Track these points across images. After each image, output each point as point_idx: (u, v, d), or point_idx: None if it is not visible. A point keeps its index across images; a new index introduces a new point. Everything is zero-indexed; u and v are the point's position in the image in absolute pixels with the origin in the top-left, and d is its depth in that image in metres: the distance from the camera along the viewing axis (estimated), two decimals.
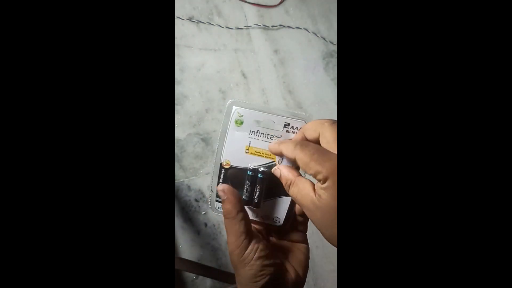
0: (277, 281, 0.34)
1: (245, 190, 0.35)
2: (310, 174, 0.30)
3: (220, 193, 0.34)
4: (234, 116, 0.34)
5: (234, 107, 0.34)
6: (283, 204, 0.37)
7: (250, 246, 0.34)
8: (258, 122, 0.35)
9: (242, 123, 0.35)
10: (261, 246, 0.34)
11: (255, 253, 0.34)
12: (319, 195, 0.29)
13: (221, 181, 0.36)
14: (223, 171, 0.35)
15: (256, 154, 0.35)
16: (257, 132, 0.35)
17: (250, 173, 0.35)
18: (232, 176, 0.36)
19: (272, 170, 0.35)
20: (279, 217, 0.37)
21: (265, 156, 0.35)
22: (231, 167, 0.36)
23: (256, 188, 0.36)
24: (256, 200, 0.36)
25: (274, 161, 0.35)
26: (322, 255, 0.92)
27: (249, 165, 0.36)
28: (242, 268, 0.34)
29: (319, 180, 0.29)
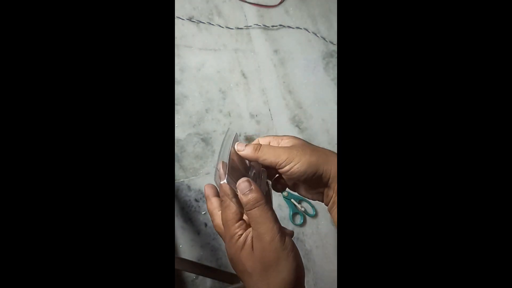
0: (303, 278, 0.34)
1: None
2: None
3: (246, 184, 0.33)
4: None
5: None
6: None
7: (285, 234, 0.33)
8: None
9: None
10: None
11: (291, 241, 0.33)
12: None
13: (230, 162, 0.36)
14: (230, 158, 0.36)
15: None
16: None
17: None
18: (234, 168, 0.37)
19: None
20: None
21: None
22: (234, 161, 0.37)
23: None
24: None
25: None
26: (322, 255, 0.92)
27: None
28: (287, 258, 0.31)
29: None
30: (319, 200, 0.39)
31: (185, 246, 0.84)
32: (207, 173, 0.88)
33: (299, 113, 0.96)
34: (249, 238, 0.33)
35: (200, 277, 0.83)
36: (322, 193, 0.37)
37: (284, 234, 0.33)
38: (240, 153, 0.36)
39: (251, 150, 0.35)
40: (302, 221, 0.89)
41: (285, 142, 0.37)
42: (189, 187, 0.86)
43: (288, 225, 0.88)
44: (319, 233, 0.92)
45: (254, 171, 0.38)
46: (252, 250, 0.32)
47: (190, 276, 0.83)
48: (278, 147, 0.36)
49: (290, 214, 0.87)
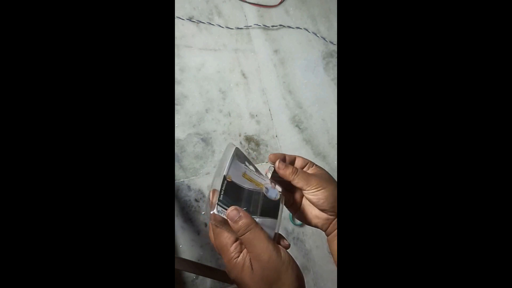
0: None
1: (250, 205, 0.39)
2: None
3: (234, 213, 0.35)
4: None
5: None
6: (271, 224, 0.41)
7: (279, 249, 0.35)
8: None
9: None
10: None
11: (287, 254, 0.35)
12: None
13: (223, 188, 0.37)
14: (225, 182, 0.38)
15: (249, 180, 0.42)
16: (249, 166, 0.43)
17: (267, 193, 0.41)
18: (232, 189, 0.38)
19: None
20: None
21: (256, 184, 0.42)
22: (232, 182, 0.39)
23: (258, 204, 0.39)
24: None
25: (261, 188, 0.41)
26: (322, 255, 0.92)
27: (266, 184, 0.41)
28: (286, 271, 0.34)
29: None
30: (321, 228, 0.42)
31: (185, 246, 0.84)
32: (207, 173, 0.88)
33: (299, 113, 0.96)
34: (247, 260, 0.34)
35: (200, 277, 0.83)
36: (330, 222, 0.41)
37: (279, 249, 0.35)
38: (280, 171, 0.40)
39: (290, 172, 0.40)
40: None
41: (313, 170, 0.42)
42: (189, 187, 0.86)
43: (288, 225, 0.88)
44: (319, 233, 0.92)
45: (251, 187, 0.40)
46: (252, 270, 0.34)
47: (190, 276, 0.83)
48: (310, 174, 0.41)
49: (290, 215, 0.87)
